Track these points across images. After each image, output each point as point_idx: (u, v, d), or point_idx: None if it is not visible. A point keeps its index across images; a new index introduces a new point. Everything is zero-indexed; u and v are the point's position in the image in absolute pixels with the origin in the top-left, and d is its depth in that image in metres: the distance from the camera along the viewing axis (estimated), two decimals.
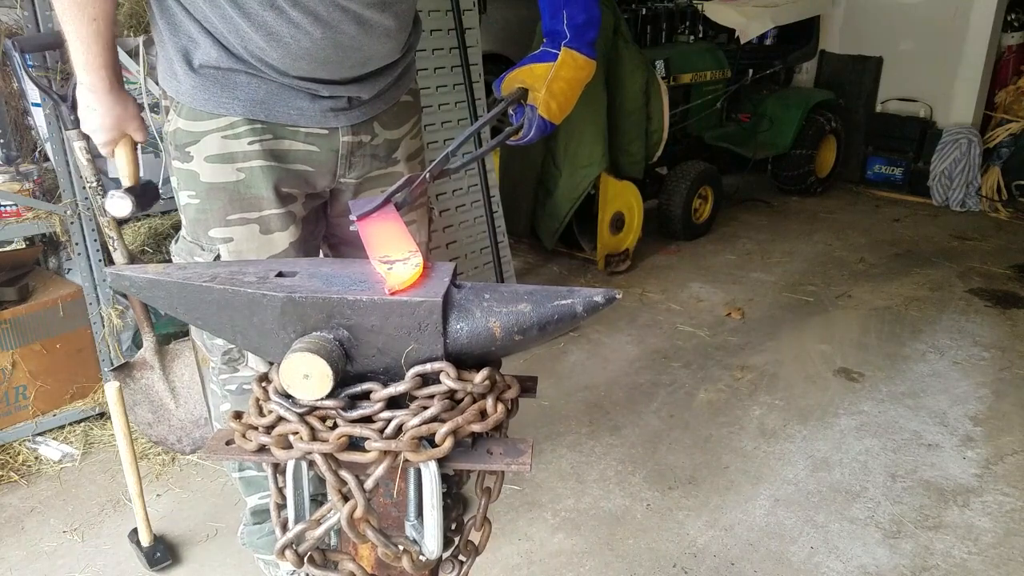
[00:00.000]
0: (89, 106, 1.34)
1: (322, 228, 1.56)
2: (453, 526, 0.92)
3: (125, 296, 2.38)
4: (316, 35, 1.21)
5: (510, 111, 1.39)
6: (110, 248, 2.25)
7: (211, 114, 1.29)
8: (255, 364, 1.47)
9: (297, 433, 0.79)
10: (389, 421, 0.78)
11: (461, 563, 0.91)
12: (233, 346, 1.45)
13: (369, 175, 1.45)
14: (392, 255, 0.87)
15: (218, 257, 1.36)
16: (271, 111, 1.30)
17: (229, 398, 1.54)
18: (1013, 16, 4.97)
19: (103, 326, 2.41)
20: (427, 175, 1.09)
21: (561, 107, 1.35)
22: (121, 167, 1.51)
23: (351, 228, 0.95)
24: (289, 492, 0.83)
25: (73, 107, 1.85)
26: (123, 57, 2.26)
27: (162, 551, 1.94)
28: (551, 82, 1.32)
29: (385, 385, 0.80)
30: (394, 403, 0.80)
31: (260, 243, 1.37)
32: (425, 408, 0.78)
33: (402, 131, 1.48)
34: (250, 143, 1.31)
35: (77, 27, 1.23)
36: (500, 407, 0.82)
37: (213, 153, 1.31)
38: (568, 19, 1.34)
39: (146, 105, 2.34)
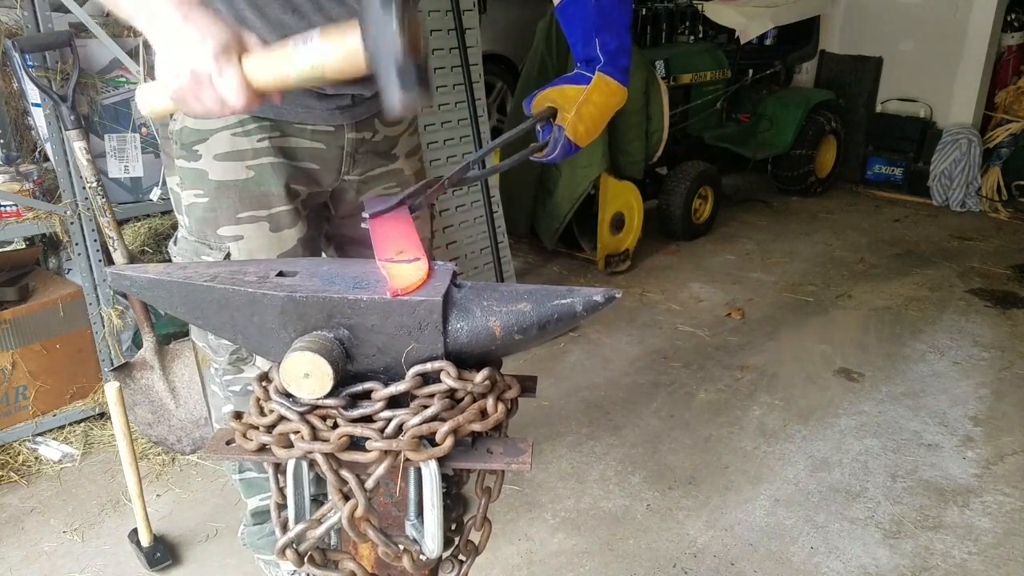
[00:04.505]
0: (178, 28, 0.91)
1: (323, 228, 1.57)
2: (453, 526, 0.92)
3: (125, 296, 2.38)
4: None
5: (537, 127, 1.38)
6: (110, 248, 2.26)
7: None
8: (263, 365, 1.46)
9: (298, 432, 0.79)
10: (390, 420, 0.78)
11: (461, 563, 0.91)
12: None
13: (371, 173, 1.46)
14: (399, 257, 0.87)
15: (228, 255, 1.36)
16: (280, 109, 1.30)
17: (232, 399, 1.54)
18: (1013, 16, 4.97)
19: (103, 326, 2.42)
20: (445, 181, 1.09)
21: (588, 131, 1.34)
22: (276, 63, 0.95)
23: (363, 226, 0.95)
24: (290, 492, 0.83)
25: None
26: (123, 57, 2.26)
27: (162, 551, 1.94)
28: (581, 105, 1.31)
29: (386, 384, 0.80)
30: (394, 402, 0.80)
31: (270, 240, 1.37)
32: (425, 407, 0.78)
33: (400, 127, 1.50)
34: (259, 140, 1.31)
35: None
36: (500, 407, 0.82)
37: (222, 151, 1.31)
38: (601, 45, 1.33)
39: None
